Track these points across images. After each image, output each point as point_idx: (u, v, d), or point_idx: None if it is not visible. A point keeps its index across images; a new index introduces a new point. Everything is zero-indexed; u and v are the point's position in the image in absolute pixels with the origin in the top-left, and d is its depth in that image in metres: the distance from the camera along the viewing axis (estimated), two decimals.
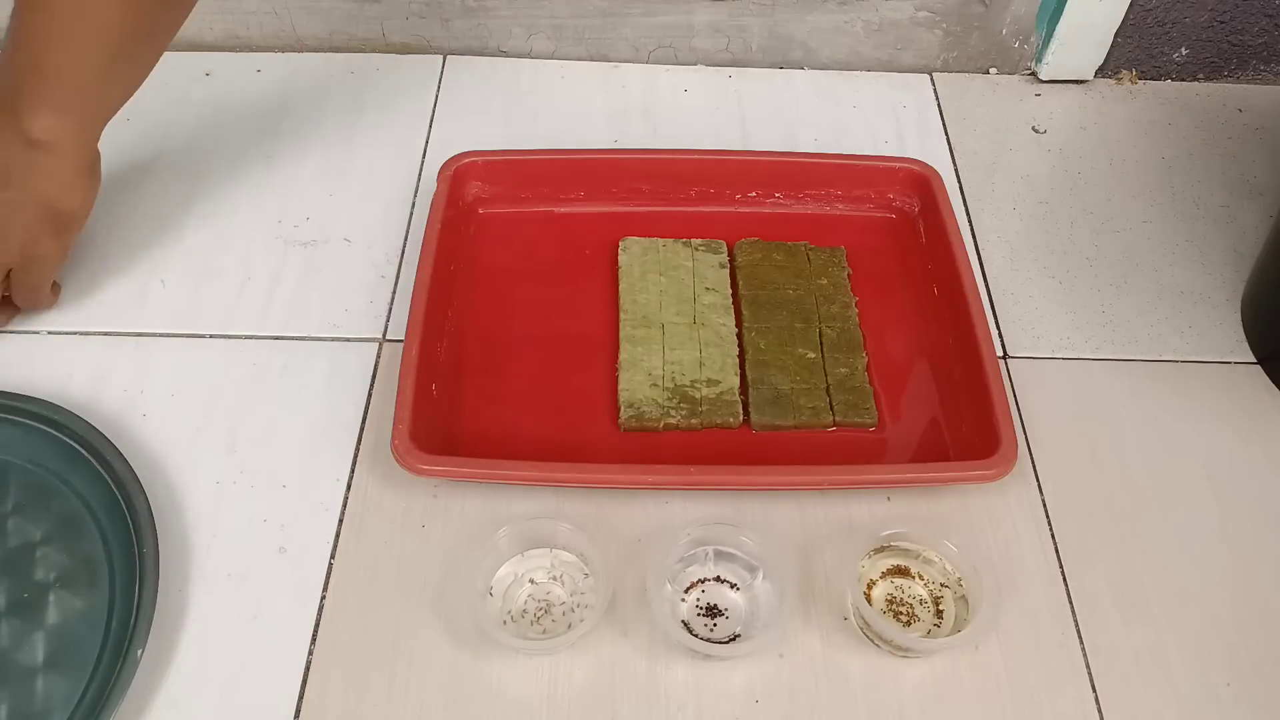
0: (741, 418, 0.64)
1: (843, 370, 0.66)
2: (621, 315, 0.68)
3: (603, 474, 0.60)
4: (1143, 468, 0.64)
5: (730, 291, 0.69)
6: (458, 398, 0.64)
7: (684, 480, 0.59)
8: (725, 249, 0.72)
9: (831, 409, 0.64)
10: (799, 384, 0.65)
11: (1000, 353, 0.69)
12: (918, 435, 0.64)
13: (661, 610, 0.54)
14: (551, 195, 0.74)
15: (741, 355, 0.67)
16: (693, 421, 0.63)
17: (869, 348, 0.67)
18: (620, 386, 0.64)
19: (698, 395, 0.64)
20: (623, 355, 0.66)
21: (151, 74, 0.83)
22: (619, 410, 0.63)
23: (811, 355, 0.66)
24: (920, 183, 0.74)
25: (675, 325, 0.67)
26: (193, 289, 0.70)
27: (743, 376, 0.66)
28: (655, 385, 0.64)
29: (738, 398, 0.64)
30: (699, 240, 0.72)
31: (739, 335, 0.67)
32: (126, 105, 0.81)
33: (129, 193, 0.75)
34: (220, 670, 0.54)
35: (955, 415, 0.64)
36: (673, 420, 0.63)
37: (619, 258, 0.71)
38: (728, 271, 0.71)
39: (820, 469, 0.62)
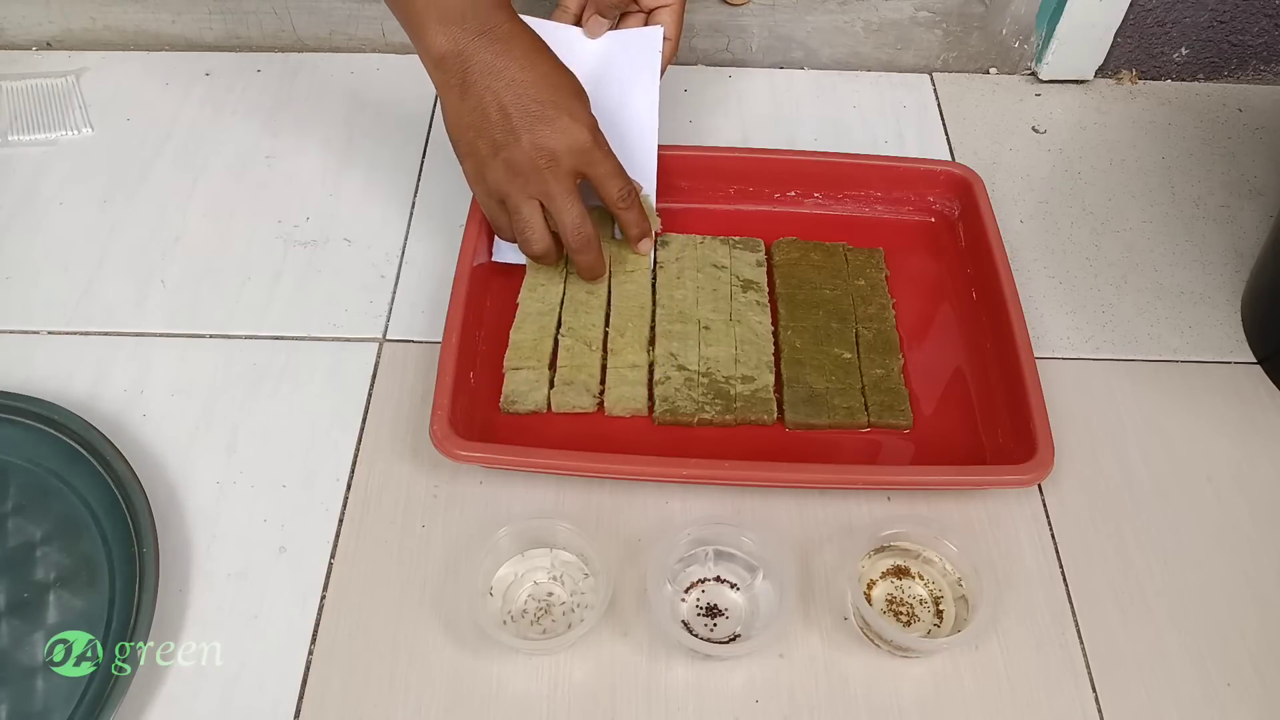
0: (776, 415, 0.63)
1: (878, 371, 0.65)
2: (658, 310, 0.67)
3: (641, 466, 0.60)
4: (1142, 467, 0.64)
5: (767, 290, 0.69)
6: (494, 388, 0.64)
7: (723, 475, 0.59)
8: (763, 247, 0.72)
9: (866, 409, 0.64)
10: (834, 384, 0.65)
11: None
12: (952, 438, 0.64)
13: (661, 610, 0.54)
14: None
15: (777, 353, 0.66)
16: (727, 418, 0.63)
17: (905, 349, 0.67)
18: (655, 380, 0.64)
19: (732, 391, 0.64)
20: (658, 350, 0.66)
21: (151, 74, 0.84)
22: (653, 404, 0.63)
23: (847, 355, 0.66)
24: (961, 186, 0.74)
25: (711, 321, 0.67)
26: (193, 289, 0.70)
27: (778, 375, 0.65)
28: (690, 380, 0.64)
29: (772, 395, 0.64)
30: (737, 238, 0.72)
31: (775, 333, 0.67)
32: (126, 105, 0.81)
33: (129, 193, 0.76)
34: (220, 670, 0.54)
35: (991, 419, 0.64)
36: (707, 415, 0.63)
37: (656, 253, 0.70)
38: (765, 270, 0.70)
39: (862, 469, 0.62)
